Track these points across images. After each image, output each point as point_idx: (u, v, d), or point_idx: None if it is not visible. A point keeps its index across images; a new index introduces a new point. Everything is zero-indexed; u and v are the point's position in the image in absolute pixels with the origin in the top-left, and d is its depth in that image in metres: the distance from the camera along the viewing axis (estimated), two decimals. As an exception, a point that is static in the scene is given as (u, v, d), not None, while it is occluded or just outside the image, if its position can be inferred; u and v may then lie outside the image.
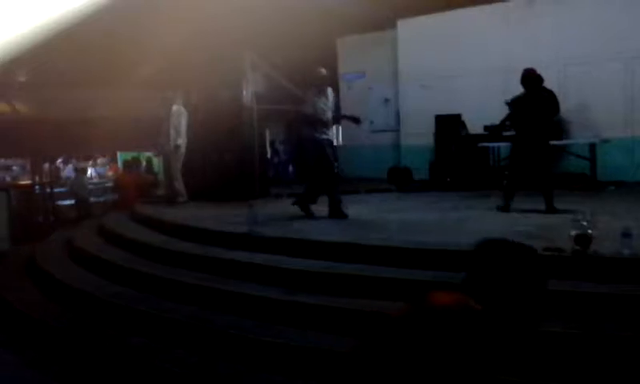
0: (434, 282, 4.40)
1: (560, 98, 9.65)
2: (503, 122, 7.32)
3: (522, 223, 6.01)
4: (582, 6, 10.09)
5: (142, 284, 5.69)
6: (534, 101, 6.78)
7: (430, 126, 10.91)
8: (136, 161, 12.72)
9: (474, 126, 10.39)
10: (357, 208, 7.88)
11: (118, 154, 16.68)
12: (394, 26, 12.24)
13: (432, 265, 4.70)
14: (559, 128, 9.65)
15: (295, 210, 7.09)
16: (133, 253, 6.67)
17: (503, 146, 9.33)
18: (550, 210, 6.43)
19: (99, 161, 16.55)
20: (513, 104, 7.08)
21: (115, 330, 4.98)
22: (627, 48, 9.60)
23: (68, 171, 15.99)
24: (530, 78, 6.83)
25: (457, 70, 11.11)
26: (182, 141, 8.99)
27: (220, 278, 5.34)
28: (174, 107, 9.11)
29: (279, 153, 14.58)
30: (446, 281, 4.35)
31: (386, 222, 6.66)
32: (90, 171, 15.43)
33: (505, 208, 6.84)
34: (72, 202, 12.63)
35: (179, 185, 9.05)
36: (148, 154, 13.65)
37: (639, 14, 9.52)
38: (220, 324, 4.59)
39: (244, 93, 9.44)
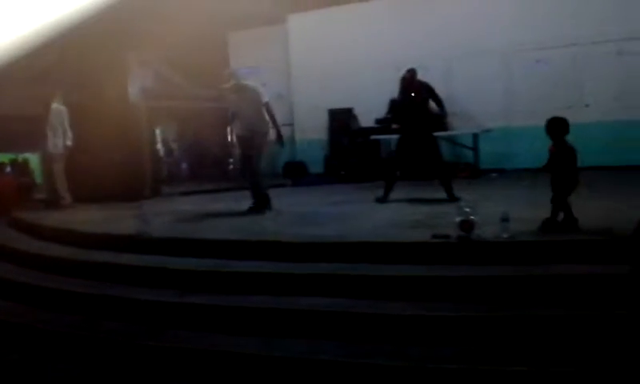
0: (328, 275, 4.43)
1: (446, 91, 10.22)
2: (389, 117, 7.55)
3: (411, 212, 6.19)
4: (465, 2, 10.58)
5: (19, 295, 5.27)
6: (411, 97, 7.04)
7: (323, 120, 11.03)
8: (10, 163, 11.82)
9: (366, 119, 10.62)
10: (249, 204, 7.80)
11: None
12: (284, 20, 12.22)
13: (327, 258, 4.71)
14: (443, 119, 10.09)
15: (186, 208, 6.87)
16: (9, 262, 6.17)
17: (394, 138, 9.58)
18: (451, 198, 6.63)
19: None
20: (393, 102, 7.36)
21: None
22: (505, 43, 10.21)
23: None
24: (404, 78, 7.07)
25: (348, 64, 11.29)
26: (67, 141, 8.47)
27: (107, 283, 5.06)
28: (53, 106, 8.56)
29: (172, 150, 14.15)
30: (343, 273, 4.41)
31: (280, 217, 6.62)
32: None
33: (382, 199, 7.01)
34: None
35: (62, 187, 8.51)
36: (25, 154, 12.74)
37: (519, 8, 10.11)
38: (107, 332, 4.33)
39: (129, 90, 9.04)
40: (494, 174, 9.27)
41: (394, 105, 7.39)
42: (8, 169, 11.45)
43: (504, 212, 4.71)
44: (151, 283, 4.85)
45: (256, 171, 6.80)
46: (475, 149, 9.71)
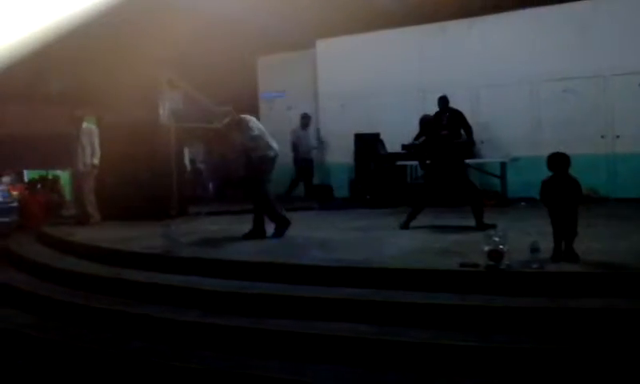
0: (353, 300, 4.40)
1: (473, 119, 10.22)
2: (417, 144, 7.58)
3: (438, 240, 6.14)
4: (492, 31, 10.60)
5: (50, 311, 5.34)
6: (441, 123, 7.10)
7: (349, 144, 11.05)
8: (41, 180, 12.05)
9: (392, 145, 10.62)
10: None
11: (25, 172, 15.76)
12: (313, 45, 12.35)
13: (352, 283, 4.70)
14: (472, 147, 10.07)
15: (212, 228, 6.92)
16: (39, 277, 6.27)
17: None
18: (481, 226, 6.56)
19: (4, 179, 15.54)
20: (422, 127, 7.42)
21: (20, 362, 4.61)
22: (533, 72, 10.16)
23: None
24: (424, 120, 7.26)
25: (375, 89, 11.34)
26: (95, 160, 8.63)
27: (134, 301, 5.11)
28: (84, 125, 8.75)
29: (200, 171, 14.29)
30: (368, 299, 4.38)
31: (306, 241, 6.62)
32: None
33: (405, 225, 6.97)
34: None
35: (91, 205, 8.65)
36: (56, 172, 12.98)
37: (544, 40, 10.10)
38: (134, 350, 4.35)
39: (160, 111, 9.20)
40: (522, 203, 9.17)
41: (423, 121, 7.43)
42: (38, 186, 11.65)
43: (534, 242, 4.67)
44: (177, 302, 4.88)
45: (261, 195, 6.79)
46: (503, 177, 9.63)
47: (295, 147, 11.41)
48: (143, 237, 6.89)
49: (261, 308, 4.55)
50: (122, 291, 5.31)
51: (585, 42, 9.81)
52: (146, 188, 8.78)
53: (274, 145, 6.94)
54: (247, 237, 6.69)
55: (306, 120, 11.50)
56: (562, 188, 4.78)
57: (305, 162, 11.44)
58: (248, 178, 6.89)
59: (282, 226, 6.79)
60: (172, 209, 8.93)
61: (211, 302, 4.74)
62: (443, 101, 10.01)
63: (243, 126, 6.85)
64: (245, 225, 6.95)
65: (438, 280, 4.54)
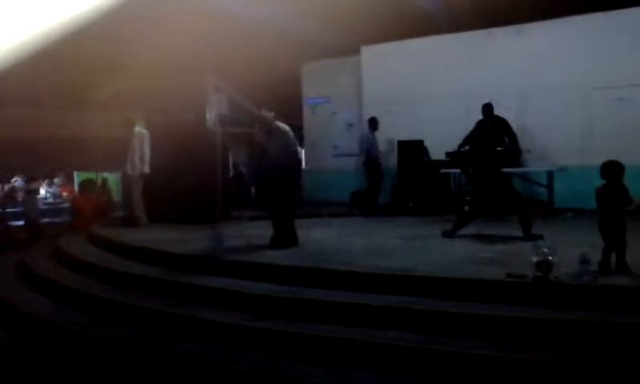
0: (399, 308, 4.40)
1: (520, 127, 10.07)
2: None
3: (484, 249, 6.07)
4: (540, 38, 10.43)
5: (100, 310, 5.51)
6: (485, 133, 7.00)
7: (393, 151, 11.04)
8: (91, 182, 12.42)
9: (436, 152, 10.55)
10: (320, 232, 7.88)
11: (75, 173, 16.28)
12: (358, 52, 12.38)
13: (396, 290, 4.70)
14: (517, 156, 9.90)
15: (255, 232, 6.99)
16: (90, 277, 6.47)
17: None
18: (529, 236, 6.46)
19: (55, 180, 16.07)
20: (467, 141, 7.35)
21: (71, 358, 4.77)
22: (584, 79, 9.94)
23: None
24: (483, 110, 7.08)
25: (419, 96, 11.29)
26: (145, 167, 8.84)
27: (181, 303, 5.22)
28: (137, 128, 8.97)
29: (243, 175, 14.48)
30: (414, 307, 4.37)
31: (349, 247, 6.64)
32: (43, 191, 14.91)
33: (450, 234, 6.90)
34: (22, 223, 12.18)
35: (139, 208, 8.88)
36: (104, 174, 13.38)
37: (595, 47, 9.88)
38: (182, 351, 4.45)
39: (207, 115, 9.37)
40: (569, 214, 8.97)
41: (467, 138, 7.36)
42: (89, 187, 12.02)
43: (584, 253, 4.58)
44: (225, 305, 4.97)
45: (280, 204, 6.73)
46: (550, 187, 9.44)
47: (367, 152, 10.84)
48: (189, 239, 7.02)
49: (307, 313, 4.59)
50: (169, 292, 5.43)
51: (637, 49, 9.55)
52: (192, 191, 8.96)
53: (300, 156, 6.87)
54: (276, 245, 6.58)
55: (374, 123, 10.92)
56: (614, 197, 4.69)
57: (375, 167, 10.81)
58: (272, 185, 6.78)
59: (284, 241, 6.61)
60: (216, 212, 9.07)
61: (257, 306, 4.81)
62: (487, 108, 9.90)
63: (275, 134, 6.79)
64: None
65: (485, 290, 4.49)
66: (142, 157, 8.84)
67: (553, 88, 10.19)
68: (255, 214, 10.19)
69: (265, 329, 4.43)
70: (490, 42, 10.91)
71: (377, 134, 10.78)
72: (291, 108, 13.98)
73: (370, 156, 10.64)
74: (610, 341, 3.76)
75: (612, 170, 4.75)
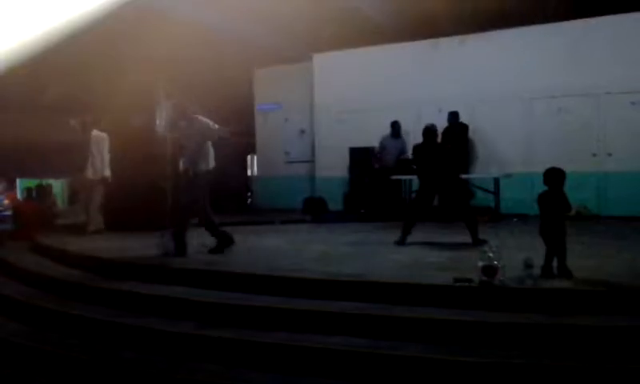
0: (349, 314, 4.43)
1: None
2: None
3: (433, 255, 6.18)
4: (485, 49, 10.74)
5: (42, 320, 5.33)
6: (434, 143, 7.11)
7: (344, 158, 11.13)
8: (41, 188, 12.02)
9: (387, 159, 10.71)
10: (272, 239, 7.87)
11: (18, 180, 15.73)
12: (309, 59, 12.45)
13: (348, 296, 4.72)
14: (466, 162, 10.16)
15: (207, 240, 6.92)
16: (32, 286, 6.25)
17: (415, 178, 9.64)
18: (476, 241, 6.59)
19: (-4, 187, 15.49)
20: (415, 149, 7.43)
21: (12, 371, 4.59)
22: (526, 89, 10.30)
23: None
24: (428, 129, 7.18)
25: (370, 104, 11.43)
26: (105, 171, 8.65)
27: (128, 312, 5.10)
28: (94, 132, 8.76)
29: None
30: (364, 312, 4.41)
31: (301, 253, 6.65)
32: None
33: (401, 241, 6.94)
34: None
35: (94, 213, 8.66)
36: (49, 180, 12.98)
37: (536, 58, 10.25)
38: (129, 361, 4.35)
39: (157, 121, 9.22)
40: (514, 219, 9.24)
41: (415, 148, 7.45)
42: (33, 194, 11.64)
43: (527, 258, 4.74)
44: (171, 314, 4.89)
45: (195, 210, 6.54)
46: (496, 193, 9.71)
47: (380, 156, 10.79)
48: (137, 247, 6.89)
49: (257, 321, 4.56)
50: (114, 301, 5.30)
51: (577, 60, 9.97)
52: (142, 197, 8.78)
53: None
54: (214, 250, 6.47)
55: (396, 128, 10.67)
56: (555, 203, 4.86)
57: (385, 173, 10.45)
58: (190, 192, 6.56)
59: (222, 244, 6.53)
60: (167, 220, 8.91)
61: (207, 314, 4.75)
62: (453, 116, 10.11)
63: (194, 126, 6.52)
64: (239, 236, 6.97)
65: (433, 295, 4.57)
66: (102, 160, 8.64)
67: (498, 97, 10.52)
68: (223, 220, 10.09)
69: (214, 337, 4.38)
70: (438, 51, 11.17)
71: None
72: (243, 114, 13.95)
73: (381, 161, 10.61)
74: (551, 342, 3.89)
75: (554, 176, 4.93)
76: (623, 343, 3.78)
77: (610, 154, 9.79)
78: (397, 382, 3.75)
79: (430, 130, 7.15)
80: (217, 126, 6.64)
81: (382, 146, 10.70)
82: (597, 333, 3.88)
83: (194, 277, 5.48)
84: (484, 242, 6.17)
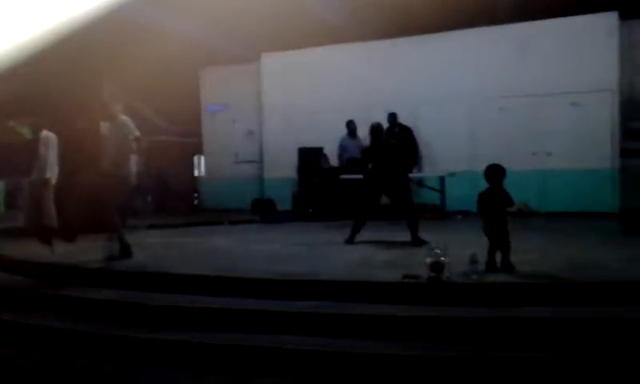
0: (300, 313, 4.45)
1: (414, 135, 10.53)
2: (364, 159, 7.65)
3: (382, 253, 6.28)
4: (433, 50, 10.98)
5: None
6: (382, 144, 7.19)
7: (293, 158, 11.15)
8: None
9: (336, 159, 10.79)
10: (221, 240, 7.82)
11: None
12: (258, 59, 12.41)
13: (297, 295, 4.74)
14: (413, 162, 10.35)
15: (153, 241, 6.82)
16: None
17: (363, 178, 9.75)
18: (415, 241, 6.70)
19: None
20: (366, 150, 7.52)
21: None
22: (471, 89, 10.59)
23: None
24: (375, 128, 7.26)
25: (319, 105, 11.50)
26: (47, 173, 8.32)
27: (74, 318, 4.96)
28: (43, 133, 8.44)
29: (138, 184, 14.00)
30: (315, 311, 4.44)
31: (251, 254, 6.64)
32: None
33: (350, 240, 7.00)
34: None
35: (48, 215, 8.33)
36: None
37: (481, 59, 10.55)
38: (79, 369, 4.23)
39: (102, 122, 8.97)
40: (458, 216, 9.49)
41: (366, 149, 7.54)
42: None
43: (472, 254, 4.89)
44: (121, 319, 4.78)
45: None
46: (442, 191, 9.94)
47: (340, 156, 10.75)
48: (79, 251, 6.72)
49: (207, 322, 4.52)
50: (57, 307, 5.15)
51: (520, 62, 10.33)
52: (86, 200, 8.52)
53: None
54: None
55: (352, 127, 10.67)
56: (496, 199, 5.03)
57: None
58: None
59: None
60: (112, 222, 8.70)
61: (157, 317, 4.67)
62: (392, 117, 10.27)
63: (116, 125, 6.37)
64: (185, 238, 6.92)
65: (383, 292, 4.65)
66: (52, 161, 8.33)
67: (443, 97, 10.78)
68: (153, 223, 9.95)
69: (166, 340, 4.31)
70: (385, 52, 11.34)
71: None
72: (190, 115, 13.78)
73: (342, 161, 10.59)
74: (498, 334, 4.03)
75: (494, 173, 5.11)
76: (564, 333, 3.95)
77: (549, 154, 10.16)
78: (348, 379, 3.80)
79: (375, 129, 7.24)
80: (136, 131, 6.44)
81: (343, 146, 10.74)
82: (539, 324, 4.04)
83: (141, 279, 5.38)
84: (423, 242, 6.32)
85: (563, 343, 3.86)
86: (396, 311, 4.36)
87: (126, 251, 6.27)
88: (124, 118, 6.45)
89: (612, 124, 9.84)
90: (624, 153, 9.92)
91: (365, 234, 7.14)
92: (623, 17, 9.83)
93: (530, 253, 5.66)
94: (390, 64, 11.27)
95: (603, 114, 9.86)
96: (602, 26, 9.90)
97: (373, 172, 7.16)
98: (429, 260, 4.72)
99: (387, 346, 3.98)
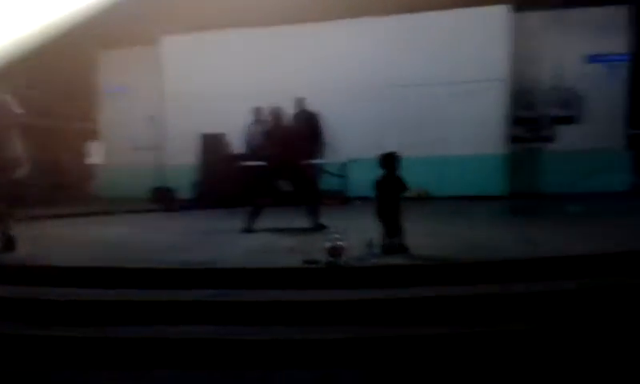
0: (199, 301, 4.37)
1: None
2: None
3: (282, 239, 6.28)
4: (337, 38, 11.02)
5: None
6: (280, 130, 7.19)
7: (195, 145, 10.90)
8: None
9: (238, 145, 10.66)
10: (118, 229, 7.52)
11: None
12: (159, 42, 11.98)
13: (196, 284, 4.65)
14: (317, 148, 10.43)
15: (38, 232, 6.40)
16: None
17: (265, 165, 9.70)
18: (316, 227, 6.73)
19: None
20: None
21: None
22: (373, 78, 10.77)
23: None
24: (273, 112, 7.27)
25: (221, 90, 11.28)
26: None
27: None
28: None
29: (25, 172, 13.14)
30: (215, 300, 4.37)
31: (148, 243, 6.42)
32: None
33: (249, 228, 6.90)
34: None
35: None
36: None
37: (381, 48, 10.75)
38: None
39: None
40: (358, 202, 9.63)
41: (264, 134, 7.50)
42: None
43: (370, 238, 5.01)
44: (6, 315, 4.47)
45: None
46: (344, 177, 10.09)
47: (247, 143, 10.49)
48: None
49: (104, 316, 4.32)
50: None
51: (417, 52, 10.64)
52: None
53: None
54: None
55: (258, 114, 10.36)
56: (391, 185, 5.19)
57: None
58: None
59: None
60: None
61: (51, 313, 4.40)
62: (299, 102, 10.25)
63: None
64: (81, 228, 6.57)
65: (283, 278, 4.65)
66: None
67: (350, 85, 10.89)
68: (42, 213, 9.38)
69: (60, 336, 4.07)
70: (290, 38, 11.29)
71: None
72: (86, 99, 13.12)
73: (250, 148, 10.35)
74: (391, 314, 4.15)
75: (389, 160, 5.27)
76: (456, 311, 4.13)
77: (446, 141, 10.54)
78: (248, 365, 3.77)
79: (274, 113, 7.21)
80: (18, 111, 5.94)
81: (248, 133, 10.61)
82: (433, 303, 4.20)
83: (29, 274, 5.05)
84: (323, 227, 6.39)
85: (453, 320, 4.04)
86: (292, 297, 4.38)
87: (10, 244, 5.86)
88: (5, 100, 5.97)
89: (502, 112, 10.38)
90: (514, 139, 10.51)
91: (266, 221, 7.10)
92: (516, 9, 10.33)
93: (425, 236, 5.87)
94: (294, 50, 11.24)
95: (494, 103, 10.38)
96: (494, 18, 10.38)
97: (271, 157, 7.12)
98: (328, 245, 4.78)
99: (279, 331, 3.99)
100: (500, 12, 10.35)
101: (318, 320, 4.14)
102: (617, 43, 10.47)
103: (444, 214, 8.31)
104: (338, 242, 4.78)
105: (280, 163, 7.03)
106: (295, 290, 4.50)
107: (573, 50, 10.61)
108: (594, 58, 10.64)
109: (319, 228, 6.56)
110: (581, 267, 4.61)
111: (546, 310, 4.12)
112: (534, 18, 10.69)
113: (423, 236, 5.78)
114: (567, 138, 10.63)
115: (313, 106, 10.68)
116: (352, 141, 10.73)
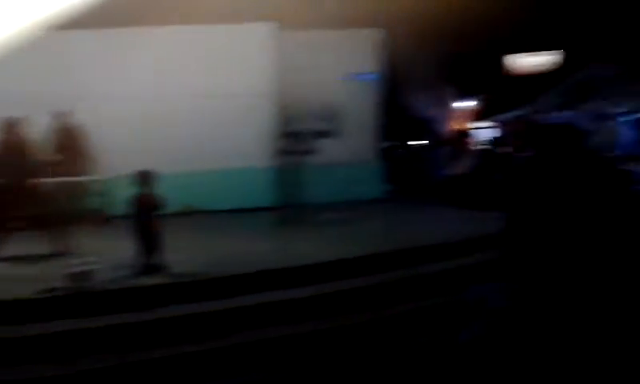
0: None
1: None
2: None
3: (21, 267, 5.61)
4: (105, 47, 10.27)
5: None
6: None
7: None
8: None
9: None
10: None
11: None
12: None
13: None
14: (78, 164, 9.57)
15: None
16: None
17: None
18: (61, 251, 5.93)
19: None
20: None
21: None
22: (143, 90, 10.26)
23: None
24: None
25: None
26: None
27: None
28: None
29: None
30: None
31: None
32: None
33: None
34: None
35: None
36: None
37: (154, 59, 10.29)
38: None
39: None
40: (110, 219, 8.98)
41: None
42: None
43: (124, 259, 4.77)
44: None
45: None
46: (104, 195, 9.44)
47: None
48: None
49: None
50: None
51: (189, 65, 10.37)
52: None
53: None
54: None
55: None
56: (146, 203, 5.01)
57: None
58: None
59: None
60: None
61: None
62: (59, 116, 9.25)
63: None
64: None
65: (17, 310, 4.16)
66: None
67: (115, 97, 10.13)
68: None
69: None
70: (57, 45, 10.18)
71: None
72: None
73: None
74: (145, 337, 3.96)
75: (144, 177, 5.09)
76: (208, 326, 4.10)
77: (214, 154, 10.46)
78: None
79: (8, 125, 6.45)
80: None
81: None
82: (186, 321, 4.11)
83: None
84: (68, 251, 5.78)
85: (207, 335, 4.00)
86: (38, 330, 3.95)
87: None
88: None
89: (270, 126, 10.70)
90: (281, 153, 10.89)
91: (10, 250, 6.19)
92: (282, 27, 10.72)
93: (184, 252, 5.66)
94: (59, 58, 10.17)
95: (262, 117, 10.67)
96: (261, 35, 10.67)
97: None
98: (72, 270, 4.41)
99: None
100: (266, 29, 10.68)
101: (61, 353, 3.78)
102: (370, 63, 11.49)
103: (209, 229, 8.22)
104: (85, 266, 4.43)
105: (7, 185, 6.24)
106: (33, 324, 4.05)
107: (332, 68, 11.33)
108: (350, 76, 11.55)
109: (65, 253, 5.85)
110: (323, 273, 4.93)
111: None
112: (299, 36, 11.21)
113: (181, 252, 5.60)
114: (327, 151, 11.33)
115: (88, 118, 9.77)
116: (120, 156, 10.07)
